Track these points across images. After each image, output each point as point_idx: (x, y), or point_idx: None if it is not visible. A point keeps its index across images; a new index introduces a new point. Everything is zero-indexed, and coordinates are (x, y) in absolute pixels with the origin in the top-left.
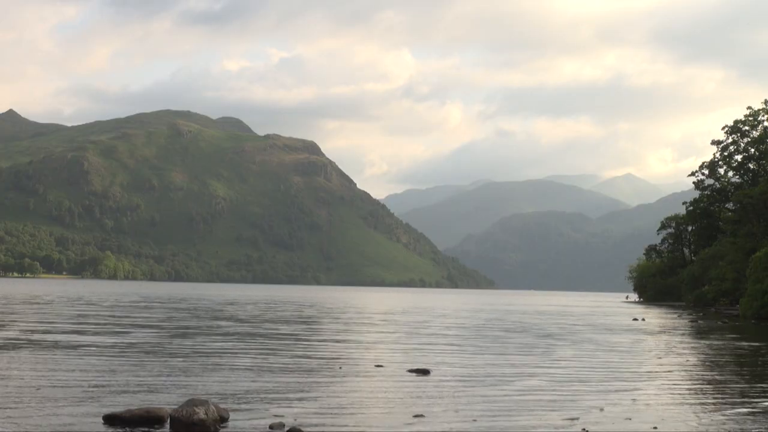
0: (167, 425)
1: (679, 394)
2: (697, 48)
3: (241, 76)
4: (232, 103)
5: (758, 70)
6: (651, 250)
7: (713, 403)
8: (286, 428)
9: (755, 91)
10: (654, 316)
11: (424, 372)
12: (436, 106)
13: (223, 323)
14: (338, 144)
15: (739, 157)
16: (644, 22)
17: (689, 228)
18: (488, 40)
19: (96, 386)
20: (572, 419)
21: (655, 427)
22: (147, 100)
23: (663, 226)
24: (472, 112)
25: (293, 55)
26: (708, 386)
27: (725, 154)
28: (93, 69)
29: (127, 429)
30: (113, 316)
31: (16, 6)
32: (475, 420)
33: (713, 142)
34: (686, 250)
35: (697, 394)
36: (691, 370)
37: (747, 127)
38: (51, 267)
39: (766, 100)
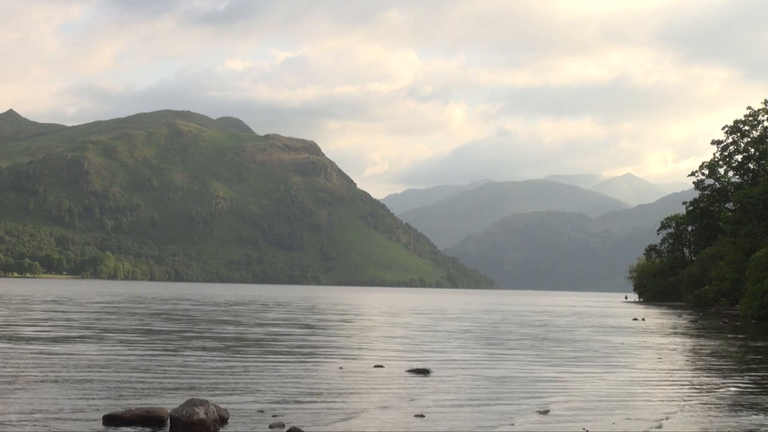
0: (167, 425)
1: (680, 394)
2: (702, 48)
3: (246, 76)
4: (236, 102)
5: (762, 70)
6: (651, 250)
7: (713, 403)
8: (286, 428)
9: (759, 91)
10: (654, 316)
11: (424, 372)
12: (439, 106)
13: (223, 324)
14: (341, 144)
15: (739, 157)
16: (649, 22)
17: (689, 228)
18: (493, 40)
19: (96, 386)
20: (572, 419)
21: (656, 427)
22: (151, 100)
23: (663, 226)
24: (475, 112)
25: (298, 55)
26: (708, 386)
27: (725, 154)
28: (97, 69)
29: (127, 429)
30: (113, 317)
31: (20, 6)
32: (475, 420)
33: (713, 142)
34: (686, 250)
35: (697, 393)
36: (691, 370)
37: (747, 127)
38: (51, 267)
39: (766, 100)
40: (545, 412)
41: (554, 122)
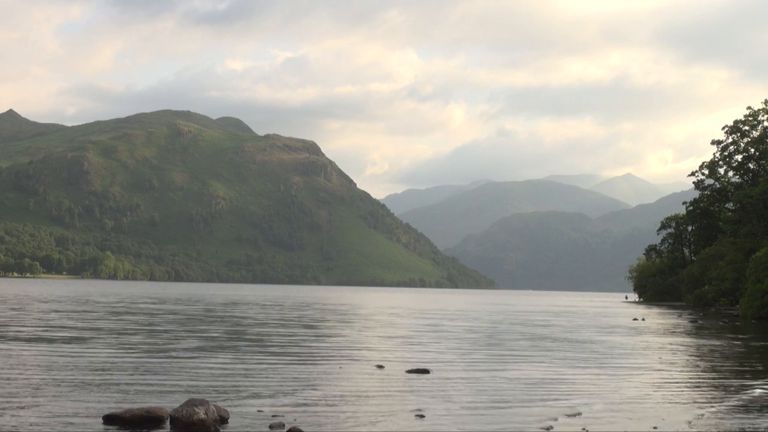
0: (167, 425)
1: (680, 394)
2: (702, 48)
3: (246, 76)
4: (236, 102)
5: (762, 70)
6: (651, 250)
7: (713, 404)
8: (286, 428)
9: (759, 91)
10: (654, 316)
11: (424, 372)
12: (439, 106)
13: (223, 324)
14: (341, 144)
15: (739, 157)
16: (649, 22)
17: (689, 228)
18: (493, 40)
19: (96, 386)
20: (572, 418)
21: (655, 427)
22: (151, 100)
23: (663, 226)
24: (475, 112)
25: (298, 55)
26: (708, 386)
27: (725, 154)
28: (97, 69)
29: (127, 429)
30: (113, 316)
31: (20, 6)
32: (475, 420)
33: (713, 142)
34: (686, 250)
35: (697, 394)
36: (691, 370)
37: (747, 127)
38: (51, 267)
39: (766, 100)
40: (545, 410)
41: (554, 122)
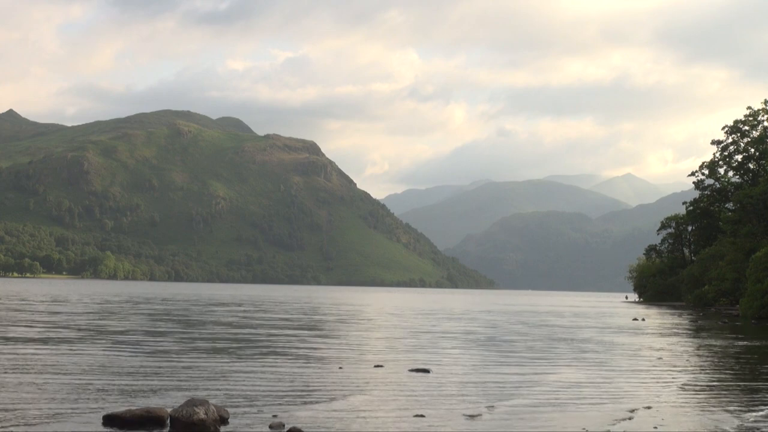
0: (167, 425)
1: (679, 394)
2: (702, 48)
3: (246, 76)
4: (236, 102)
5: (762, 70)
6: (651, 250)
7: (713, 403)
8: (286, 428)
9: (759, 91)
10: (654, 316)
11: (424, 372)
12: (439, 106)
13: (223, 325)
14: (341, 144)
15: (739, 157)
16: (649, 22)
17: (689, 228)
18: (493, 40)
19: (96, 386)
20: (572, 419)
21: (656, 427)
22: (151, 100)
23: (663, 226)
24: (475, 112)
25: (298, 55)
26: (708, 386)
27: (725, 154)
28: (97, 69)
29: (127, 429)
30: (113, 317)
31: (20, 6)
32: (475, 420)
33: (713, 142)
34: (686, 250)
35: (697, 394)
36: (691, 370)
37: (747, 127)
38: (51, 267)
39: (766, 100)
40: (545, 410)
41: (554, 122)
